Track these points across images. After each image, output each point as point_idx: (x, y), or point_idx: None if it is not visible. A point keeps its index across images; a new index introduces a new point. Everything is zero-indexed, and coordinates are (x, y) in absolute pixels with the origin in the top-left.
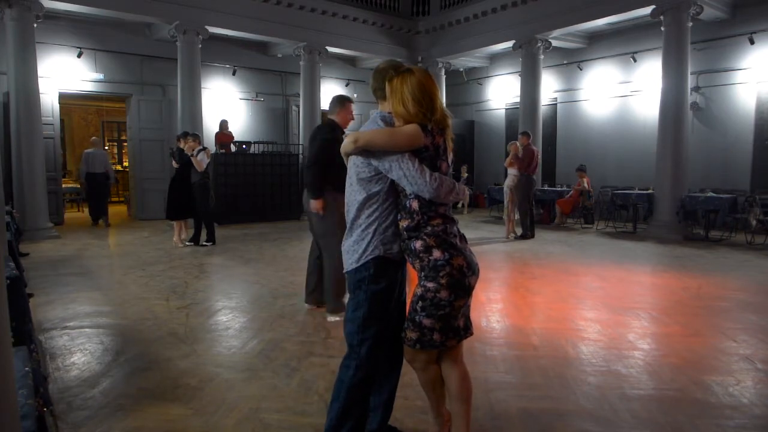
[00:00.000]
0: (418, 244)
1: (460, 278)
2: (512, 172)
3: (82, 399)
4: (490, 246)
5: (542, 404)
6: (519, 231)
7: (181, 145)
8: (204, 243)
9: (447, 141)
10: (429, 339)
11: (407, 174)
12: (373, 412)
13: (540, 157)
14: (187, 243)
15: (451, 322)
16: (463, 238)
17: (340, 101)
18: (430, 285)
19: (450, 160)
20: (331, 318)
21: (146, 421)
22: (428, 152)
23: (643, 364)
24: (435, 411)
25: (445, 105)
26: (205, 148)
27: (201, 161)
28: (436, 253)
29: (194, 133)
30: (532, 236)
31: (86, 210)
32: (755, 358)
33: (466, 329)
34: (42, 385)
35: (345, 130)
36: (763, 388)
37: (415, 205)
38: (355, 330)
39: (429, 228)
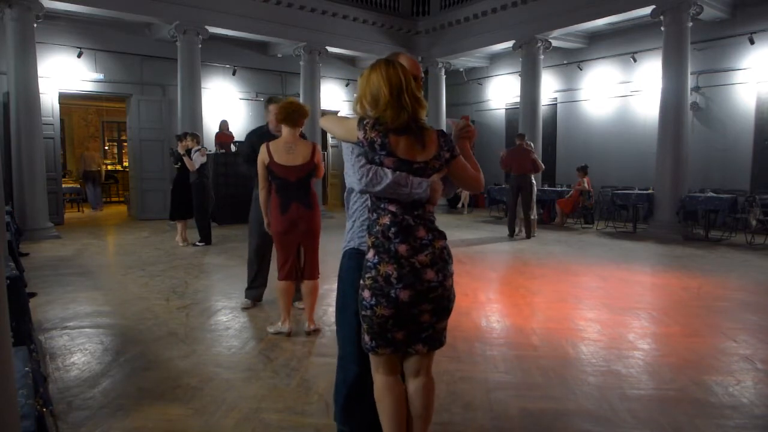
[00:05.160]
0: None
1: (385, 286)
2: None
3: (82, 399)
4: (490, 246)
5: (542, 404)
6: (524, 230)
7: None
8: (197, 243)
9: (399, 140)
10: (363, 339)
11: (346, 164)
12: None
13: (535, 156)
14: (197, 243)
15: (376, 329)
16: (420, 247)
17: (264, 104)
18: (360, 282)
19: (411, 158)
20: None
21: (146, 421)
22: (363, 147)
23: (643, 364)
24: None
25: (415, 101)
26: (200, 148)
27: (194, 161)
28: (369, 254)
29: (193, 133)
30: (510, 236)
31: (86, 210)
32: (755, 358)
33: (408, 344)
34: (42, 385)
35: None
36: (763, 388)
37: (370, 202)
38: (336, 314)
39: (376, 227)
